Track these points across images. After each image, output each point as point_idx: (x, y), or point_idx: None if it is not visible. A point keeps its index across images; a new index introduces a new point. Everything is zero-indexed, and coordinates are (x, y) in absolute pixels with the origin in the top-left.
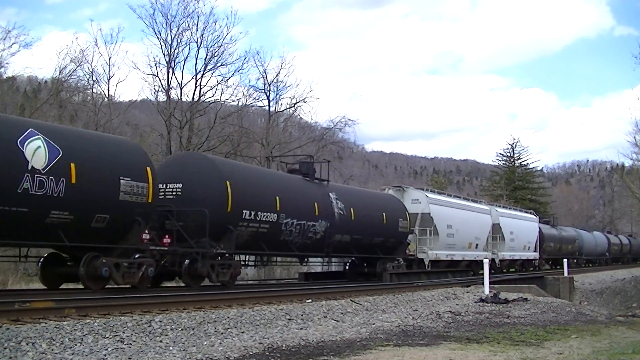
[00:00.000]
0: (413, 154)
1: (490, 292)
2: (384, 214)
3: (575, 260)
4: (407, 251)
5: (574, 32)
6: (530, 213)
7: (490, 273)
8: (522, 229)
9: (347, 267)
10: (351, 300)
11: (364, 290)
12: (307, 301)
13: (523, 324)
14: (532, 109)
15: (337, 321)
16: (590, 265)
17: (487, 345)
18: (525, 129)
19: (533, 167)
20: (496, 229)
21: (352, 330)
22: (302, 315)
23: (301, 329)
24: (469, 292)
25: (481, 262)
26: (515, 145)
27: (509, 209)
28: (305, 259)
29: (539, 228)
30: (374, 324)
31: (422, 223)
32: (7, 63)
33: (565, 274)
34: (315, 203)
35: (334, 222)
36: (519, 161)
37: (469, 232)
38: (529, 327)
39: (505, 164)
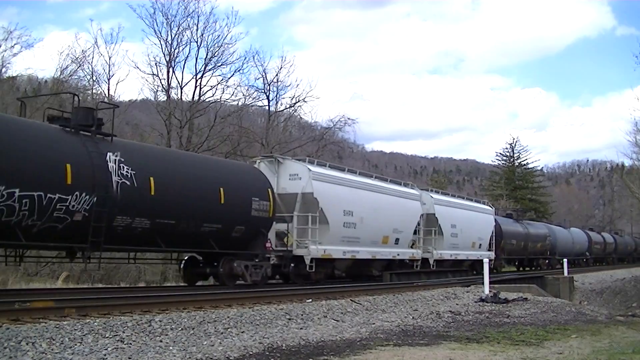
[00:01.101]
0: (413, 154)
1: (490, 291)
2: (221, 189)
3: (546, 261)
4: (268, 245)
5: (576, 32)
6: (485, 203)
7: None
8: (469, 222)
9: (182, 266)
10: (351, 300)
11: (364, 290)
12: (307, 301)
13: (523, 323)
14: (533, 109)
15: (337, 321)
16: (569, 266)
17: (487, 345)
18: (525, 128)
19: (533, 167)
20: (430, 220)
21: (352, 330)
22: (302, 315)
23: (301, 328)
24: (469, 292)
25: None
26: (515, 145)
27: (451, 195)
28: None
29: (496, 222)
30: (374, 323)
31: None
32: (8, 63)
33: (565, 273)
34: (69, 165)
35: (111, 197)
36: (519, 161)
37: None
38: (529, 326)
39: (505, 163)
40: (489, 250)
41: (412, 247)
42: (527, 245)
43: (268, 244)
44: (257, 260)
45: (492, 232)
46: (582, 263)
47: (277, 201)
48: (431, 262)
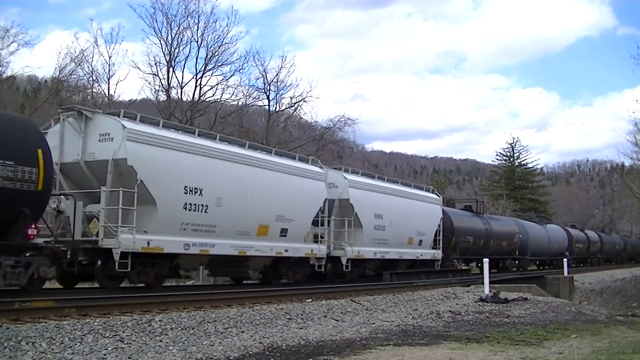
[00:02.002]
0: (413, 154)
1: (490, 291)
2: None
3: (516, 262)
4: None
5: (577, 32)
6: (431, 191)
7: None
8: (403, 213)
9: None
10: (351, 299)
11: (363, 289)
12: (307, 301)
13: (523, 323)
14: (534, 109)
15: (337, 321)
16: (543, 267)
17: (487, 345)
18: (526, 128)
19: (533, 167)
20: (345, 207)
21: (352, 330)
22: (302, 314)
23: (301, 328)
24: (469, 292)
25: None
26: (515, 145)
27: (378, 178)
28: None
29: (445, 214)
30: (374, 323)
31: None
32: (6, 62)
33: (565, 273)
34: None
35: None
36: (519, 161)
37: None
38: (529, 326)
39: (505, 163)
40: (435, 248)
41: (314, 242)
42: (489, 243)
43: (32, 231)
44: (27, 255)
45: (439, 227)
46: (561, 264)
47: (74, 171)
48: (344, 261)
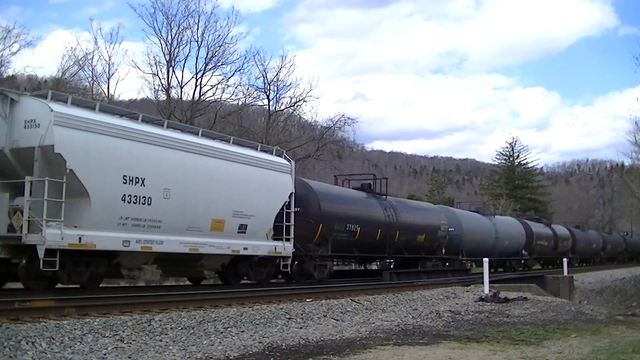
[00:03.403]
0: (413, 153)
1: (490, 291)
2: None
3: (446, 264)
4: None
5: (578, 32)
6: (275, 153)
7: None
8: (201, 179)
9: None
10: (351, 299)
11: (363, 289)
12: (307, 300)
13: (523, 323)
14: (535, 108)
15: (337, 320)
16: (495, 270)
17: (486, 345)
18: (527, 128)
19: (533, 166)
20: (52, 161)
21: (352, 330)
22: (301, 314)
23: (301, 328)
24: (469, 291)
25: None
26: (515, 145)
27: (140, 120)
28: None
29: (306, 190)
30: (373, 323)
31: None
32: (7, 62)
33: (565, 273)
34: None
35: None
36: (519, 160)
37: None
38: (529, 326)
39: (505, 163)
40: (279, 239)
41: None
42: (392, 236)
43: None
44: None
45: (285, 207)
46: (516, 266)
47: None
48: (41, 253)
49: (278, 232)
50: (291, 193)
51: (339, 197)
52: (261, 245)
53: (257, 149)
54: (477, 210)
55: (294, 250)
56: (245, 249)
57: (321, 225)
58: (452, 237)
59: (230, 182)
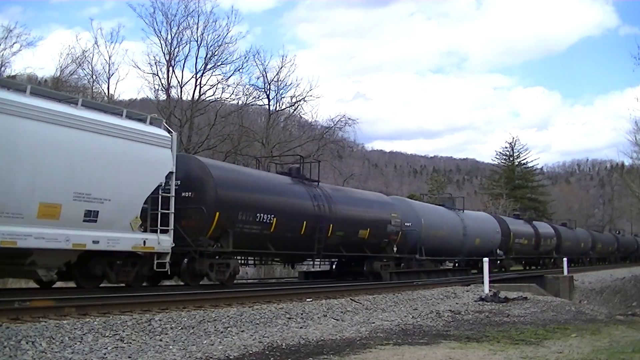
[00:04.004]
0: (413, 153)
1: (490, 290)
2: None
3: (400, 264)
4: None
5: (579, 32)
6: (149, 122)
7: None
8: (20, 156)
9: None
10: (351, 299)
11: (364, 289)
12: (307, 300)
13: (523, 322)
14: (535, 108)
15: (337, 320)
16: (458, 273)
17: (486, 344)
18: (527, 127)
19: (532, 166)
20: None
21: (352, 329)
22: (301, 314)
23: (301, 327)
24: (469, 291)
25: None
26: (515, 144)
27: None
28: None
29: (200, 168)
30: (373, 322)
31: None
32: (7, 62)
33: (565, 272)
34: None
35: None
36: (519, 160)
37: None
38: (529, 326)
39: (505, 162)
40: (153, 230)
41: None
42: (322, 231)
43: None
44: None
45: (164, 189)
46: (490, 267)
47: None
48: None
49: (157, 223)
50: (170, 172)
51: (246, 181)
52: (122, 238)
53: (121, 115)
54: (442, 204)
55: (174, 245)
56: (95, 242)
57: (217, 214)
58: (407, 234)
59: (72, 156)
